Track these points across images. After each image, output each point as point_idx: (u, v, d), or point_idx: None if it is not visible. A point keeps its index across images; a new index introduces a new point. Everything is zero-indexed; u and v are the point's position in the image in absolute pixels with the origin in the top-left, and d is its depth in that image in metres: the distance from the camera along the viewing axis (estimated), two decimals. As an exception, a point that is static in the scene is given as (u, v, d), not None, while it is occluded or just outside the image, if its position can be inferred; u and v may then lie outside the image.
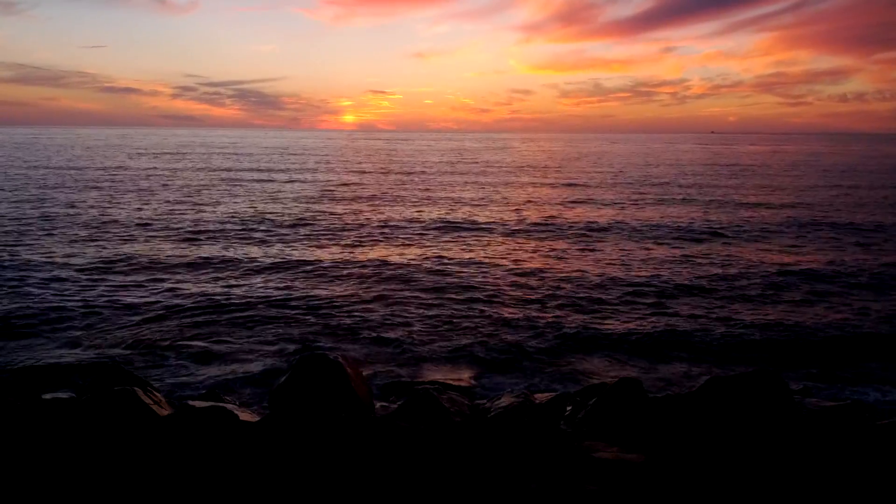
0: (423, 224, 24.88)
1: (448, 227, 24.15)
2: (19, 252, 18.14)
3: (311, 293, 14.47)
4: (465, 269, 17.03)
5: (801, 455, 6.41)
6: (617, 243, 20.99)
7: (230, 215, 26.33)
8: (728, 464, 6.28)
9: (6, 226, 22.47)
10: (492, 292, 14.73)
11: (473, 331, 11.98)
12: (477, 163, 66.11)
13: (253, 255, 18.60)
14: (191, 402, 7.50)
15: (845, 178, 48.96)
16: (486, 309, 13.44)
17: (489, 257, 18.67)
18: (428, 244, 20.66)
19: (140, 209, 27.63)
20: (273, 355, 10.63)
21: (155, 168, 52.37)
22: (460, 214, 27.31)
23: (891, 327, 12.26)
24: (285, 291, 14.62)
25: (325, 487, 5.72)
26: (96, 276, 15.63)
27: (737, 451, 6.55)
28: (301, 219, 25.68)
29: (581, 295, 14.56)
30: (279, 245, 20.27)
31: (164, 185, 38.57)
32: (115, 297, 13.86)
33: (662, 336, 11.68)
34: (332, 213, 27.47)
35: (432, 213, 27.69)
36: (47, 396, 8.49)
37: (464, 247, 20.21)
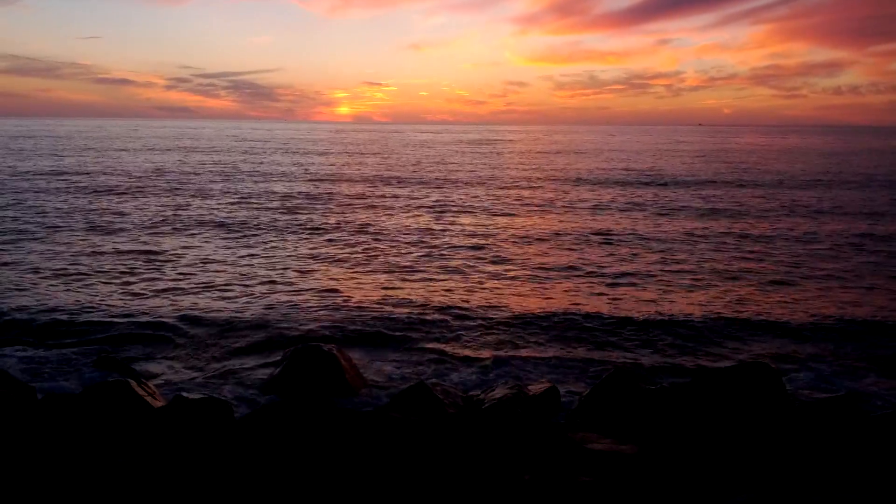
0: (421, 214, 24.88)
1: (439, 209, 24.18)
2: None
3: (307, 287, 14.45)
4: (465, 261, 17.03)
5: (794, 446, 6.43)
6: (618, 230, 20.98)
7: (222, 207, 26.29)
8: (721, 455, 6.30)
9: None
10: (489, 285, 14.74)
11: (470, 324, 11.98)
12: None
13: (243, 247, 18.57)
14: (184, 394, 7.49)
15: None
16: (482, 303, 13.45)
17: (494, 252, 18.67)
18: (427, 236, 20.66)
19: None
20: (267, 346, 10.62)
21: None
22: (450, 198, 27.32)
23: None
24: (280, 283, 14.60)
25: (318, 478, 5.73)
26: (79, 264, 15.61)
27: (730, 442, 6.57)
28: (294, 208, 25.66)
29: (576, 286, 14.58)
30: (270, 238, 20.23)
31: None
32: (102, 286, 13.84)
33: (656, 327, 11.69)
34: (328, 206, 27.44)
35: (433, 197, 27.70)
36: (41, 388, 8.49)
37: (463, 236, 20.21)
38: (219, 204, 26.98)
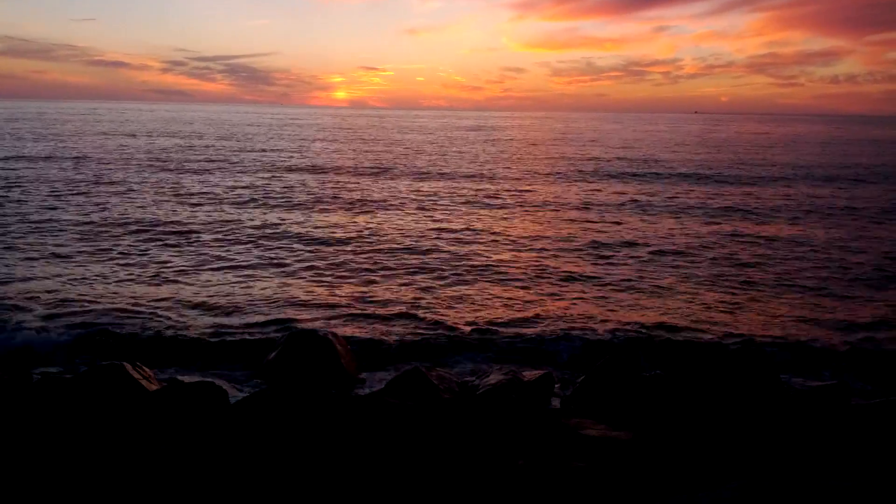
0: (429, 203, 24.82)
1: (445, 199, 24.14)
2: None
3: (303, 276, 14.44)
4: (460, 246, 17.04)
5: (786, 433, 6.48)
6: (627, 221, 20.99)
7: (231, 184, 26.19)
8: (715, 441, 6.33)
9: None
10: (489, 273, 14.76)
11: (466, 313, 12.00)
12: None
13: (240, 229, 18.53)
14: (180, 378, 7.50)
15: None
16: (479, 294, 13.47)
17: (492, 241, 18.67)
18: (430, 222, 20.63)
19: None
20: (263, 331, 10.62)
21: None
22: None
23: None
24: (276, 273, 14.59)
25: (313, 462, 5.74)
26: (79, 244, 15.57)
27: (724, 429, 6.61)
28: (300, 194, 25.57)
29: (573, 281, 14.60)
30: (269, 219, 20.19)
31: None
32: (98, 272, 13.81)
33: (653, 320, 11.72)
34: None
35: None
36: (36, 371, 8.49)
37: (464, 221, 20.19)
38: (215, 193, 26.84)
